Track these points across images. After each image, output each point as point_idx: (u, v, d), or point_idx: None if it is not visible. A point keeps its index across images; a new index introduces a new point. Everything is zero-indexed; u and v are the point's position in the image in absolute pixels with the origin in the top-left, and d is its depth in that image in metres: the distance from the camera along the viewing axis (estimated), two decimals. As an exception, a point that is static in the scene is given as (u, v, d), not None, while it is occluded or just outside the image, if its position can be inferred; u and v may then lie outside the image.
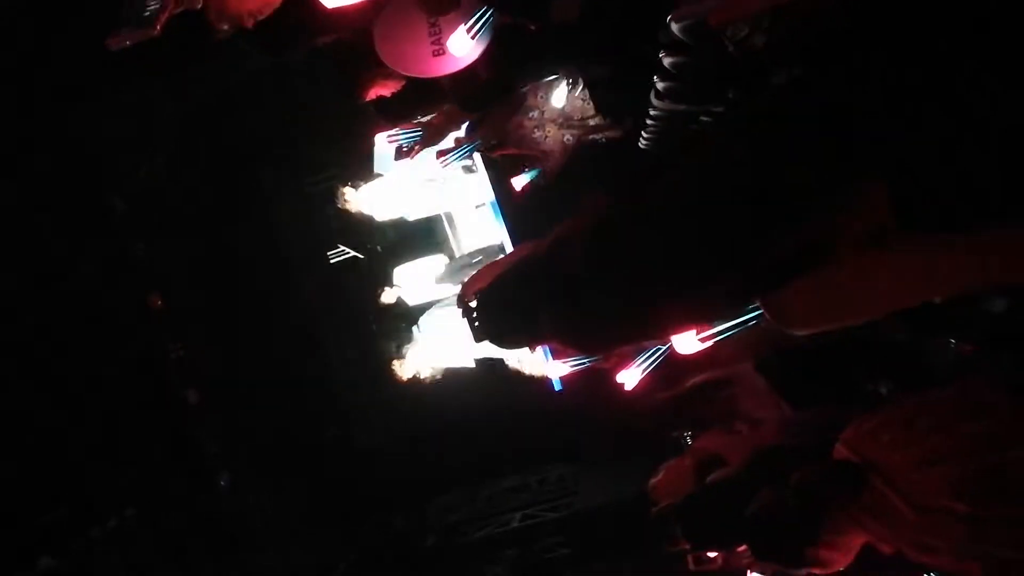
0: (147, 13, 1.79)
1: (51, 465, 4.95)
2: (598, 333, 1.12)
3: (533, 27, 2.23)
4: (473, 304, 1.73)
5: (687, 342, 1.63)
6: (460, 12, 2.12)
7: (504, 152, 2.80)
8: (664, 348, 1.97)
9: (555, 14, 2.13)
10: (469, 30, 2.06)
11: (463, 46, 2.09)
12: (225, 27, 1.89)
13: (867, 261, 1.01)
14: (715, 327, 1.71)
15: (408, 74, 2.25)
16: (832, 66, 1.04)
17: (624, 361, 2.04)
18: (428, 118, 2.63)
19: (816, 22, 1.12)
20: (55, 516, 4.95)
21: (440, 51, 2.15)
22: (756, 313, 1.64)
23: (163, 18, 1.80)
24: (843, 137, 0.98)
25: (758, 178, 1.00)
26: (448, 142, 2.74)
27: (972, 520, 1.12)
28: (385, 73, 2.26)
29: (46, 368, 4.95)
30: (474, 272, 1.83)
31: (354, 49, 2.24)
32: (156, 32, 1.81)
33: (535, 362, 2.45)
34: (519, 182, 2.91)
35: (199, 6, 1.88)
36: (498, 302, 1.64)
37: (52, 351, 4.96)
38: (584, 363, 2.04)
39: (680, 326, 1.16)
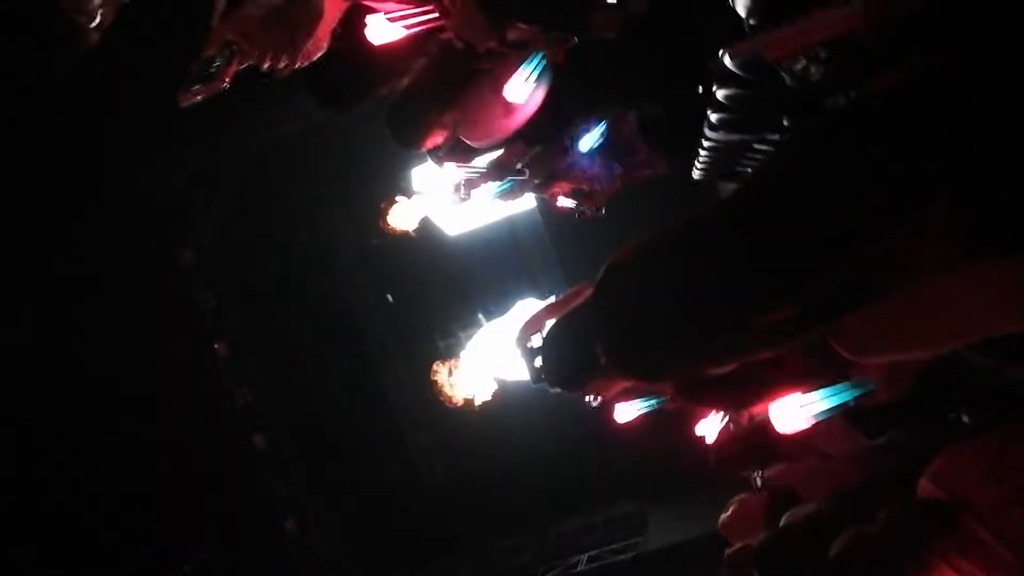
0: (212, 69, 1.86)
1: (125, 512, 5.08)
2: (657, 362, 1.08)
3: (574, 39, 2.24)
4: (533, 345, 1.73)
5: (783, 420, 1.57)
6: (512, 62, 2.16)
7: (556, 186, 2.81)
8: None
9: (596, 31, 2.13)
10: (526, 77, 2.09)
11: (522, 92, 2.12)
12: (281, 65, 1.95)
13: (939, 289, 0.97)
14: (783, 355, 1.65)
15: (492, 142, 2.32)
16: (895, 88, 1.01)
17: (700, 410, 2.00)
18: (493, 156, 2.66)
19: (875, 51, 1.10)
20: (130, 562, 5.07)
21: (507, 108, 2.20)
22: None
23: (230, 71, 1.88)
24: (911, 157, 0.95)
25: (821, 199, 0.97)
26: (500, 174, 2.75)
27: None
28: (439, 123, 2.30)
29: (119, 418, 5.11)
30: (532, 313, 1.84)
31: (409, 99, 2.29)
32: (225, 86, 1.88)
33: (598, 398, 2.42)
34: (565, 205, 2.91)
35: (266, 64, 1.95)
36: (560, 342, 1.64)
37: (123, 401, 5.12)
38: (653, 406, 2.01)
39: (742, 354, 1.11)
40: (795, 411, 1.52)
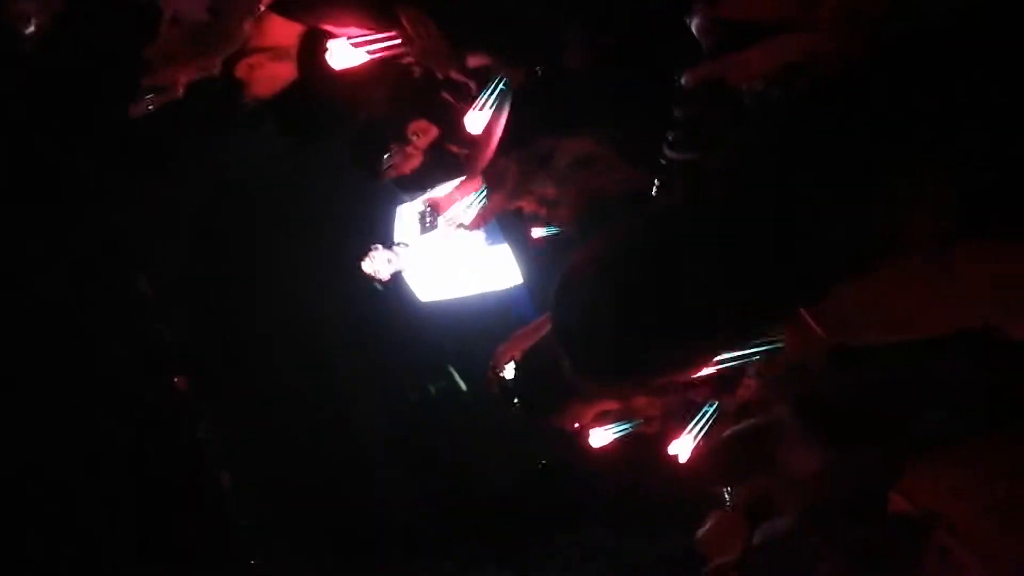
0: (163, 84, 1.85)
1: (77, 554, 4.91)
2: (639, 366, 1.03)
3: (539, 73, 2.25)
4: (507, 374, 1.72)
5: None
6: (467, 104, 2.17)
7: (518, 204, 2.81)
8: (712, 412, 1.92)
9: (561, 64, 2.15)
10: (480, 107, 2.10)
11: (478, 123, 2.12)
12: (252, 107, 1.94)
13: (929, 268, 0.93)
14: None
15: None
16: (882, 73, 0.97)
17: (670, 428, 2.00)
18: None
19: (836, 76, 1.11)
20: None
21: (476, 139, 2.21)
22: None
23: (183, 81, 1.86)
24: (902, 129, 0.91)
25: (804, 174, 0.92)
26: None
27: None
28: (404, 150, 2.30)
29: (69, 454, 4.96)
30: (505, 343, 1.83)
31: (372, 127, 2.29)
32: (179, 94, 1.86)
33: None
34: (536, 232, 2.90)
35: (216, 71, 1.93)
36: (533, 372, 1.63)
37: (76, 434, 4.97)
38: (627, 429, 2.01)
39: (729, 339, 1.05)
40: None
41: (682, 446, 1.92)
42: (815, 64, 1.14)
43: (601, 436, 1.96)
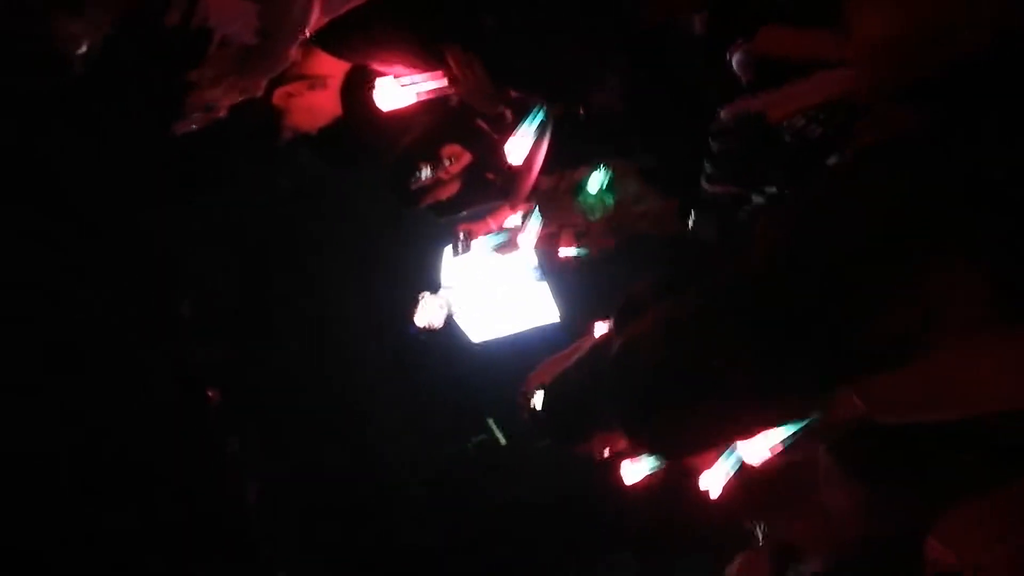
0: (210, 104, 1.89)
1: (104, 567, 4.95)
2: (677, 439, 1.07)
3: (581, 111, 2.27)
4: (536, 400, 1.73)
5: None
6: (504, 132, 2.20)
7: (549, 228, 2.83)
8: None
9: (602, 102, 2.17)
10: (520, 136, 2.12)
11: (518, 152, 2.15)
12: (289, 138, 1.98)
13: (967, 352, 0.94)
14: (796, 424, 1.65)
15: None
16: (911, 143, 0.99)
17: (703, 462, 1.99)
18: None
19: (875, 114, 1.11)
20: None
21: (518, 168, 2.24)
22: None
23: (226, 102, 1.90)
24: (932, 214, 0.92)
25: (837, 264, 0.95)
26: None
27: None
28: (438, 174, 2.32)
29: (104, 469, 5.02)
30: (535, 370, 1.83)
31: (410, 153, 2.32)
32: (222, 114, 1.90)
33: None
34: (565, 252, 2.92)
35: (260, 93, 1.98)
36: (563, 398, 1.64)
37: (110, 446, 5.04)
38: (660, 464, 1.99)
39: (764, 423, 1.10)
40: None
41: (714, 480, 1.90)
42: (851, 101, 1.15)
43: (633, 470, 1.94)
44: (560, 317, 3.20)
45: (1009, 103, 0.96)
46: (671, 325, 1.04)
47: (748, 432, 1.16)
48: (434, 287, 3.62)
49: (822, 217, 0.99)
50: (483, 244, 2.66)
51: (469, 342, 3.78)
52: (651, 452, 1.16)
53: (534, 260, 3.12)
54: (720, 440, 1.23)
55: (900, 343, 0.93)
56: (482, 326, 3.53)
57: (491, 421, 4.46)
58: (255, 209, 5.26)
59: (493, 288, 3.37)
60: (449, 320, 3.64)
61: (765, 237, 1.04)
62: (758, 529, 2.33)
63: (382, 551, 5.36)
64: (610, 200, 2.60)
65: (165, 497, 5.10)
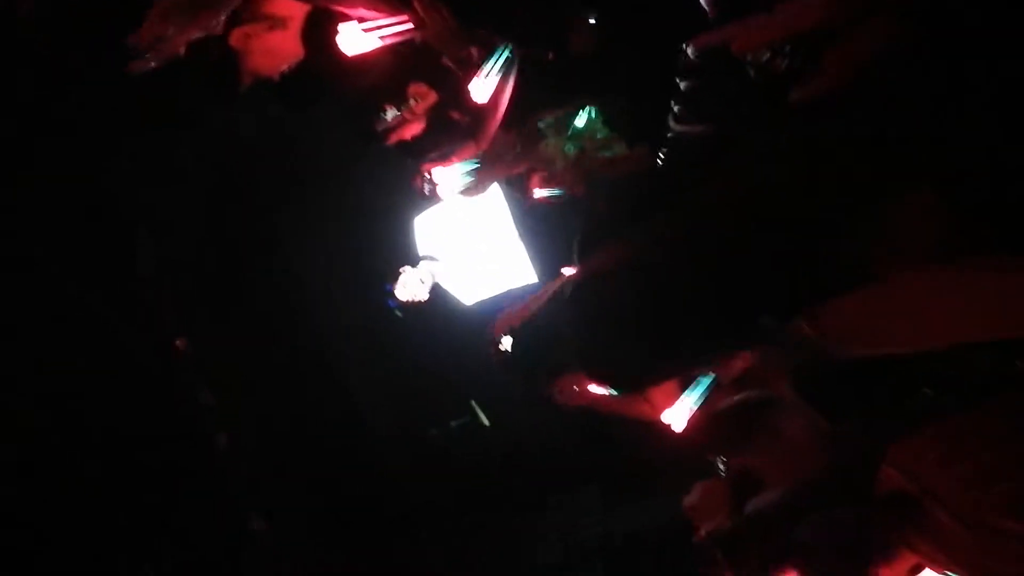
0: (161, 37, 1.82)
1: (78, 522, 4.95)
2: (637, 369, 1.09)
3: (551, 56, 2.24)
4: (505, 341, 1.74)
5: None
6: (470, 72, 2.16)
7: (515, 168, 2.82)
8: (710, 384, 1.94)
9: (572, 46, 2.14)
10: (484, 75, 2.09)
11: (483, 91, 2.11)
12: (249, 81, 1.92)
13: (923, 284, 0.96)
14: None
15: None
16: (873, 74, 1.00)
17: (665, 398, 2.03)
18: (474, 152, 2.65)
19: (841, 45, 1.11)
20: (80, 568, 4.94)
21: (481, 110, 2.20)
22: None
23: (182, 40, 1.83)
24: (891, 142, 0.94)
25: (796, 189, 0.96)
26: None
27: None
28: (403, 114, 2.28)
29: (67, 418, 4.98)
30: (505, 311, 1.84)
31: (374, 91, 2.27)
32: (180, 52, 1.84)
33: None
34: (537, 193, 2.92)
35: (219, 30, 1.91)
36: (529, 340, 1.65)
37: (73, 398, 4.98)
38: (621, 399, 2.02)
39: (724, 352, 1.12)
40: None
41: (677, 416, 1.94)
42: (816, 33, 1.15)
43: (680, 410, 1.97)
44: (538, 277, 3.19)
45: (979, 28, 0.97)
46: (633, 261, 1.05)
47: (707, 363, 1.19)
48: (413, 258, 3.54)
49: (782, 156, 1.00)
50: (449, 186, 2.63)
51: (455, 309, 3.73)
52: (611, 385, 1.18)
53: (505, 208, 3.10)
54: (679, 371, 1.25)
55: (858, 269, 0.95)
56: (470, 289, 3.48)
57: (474, 404, 4.46)
58: (219, 154, 5.16)
59: (471, 249, 3.33)
60: (435, 290, 3.60)
61: (728, 174, 1.05)
62: (719, 462, 2.40)
63: (355, 494, 5.44)
64: (572, 148, 2.59)
65: (135, 445, 5.06)
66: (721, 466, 2.43)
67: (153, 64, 1.75)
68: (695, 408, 1.92)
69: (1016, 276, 0.96)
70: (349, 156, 4.34)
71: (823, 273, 0.96)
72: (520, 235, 3.21)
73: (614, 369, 1.06)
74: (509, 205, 3.33)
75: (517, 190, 3.03)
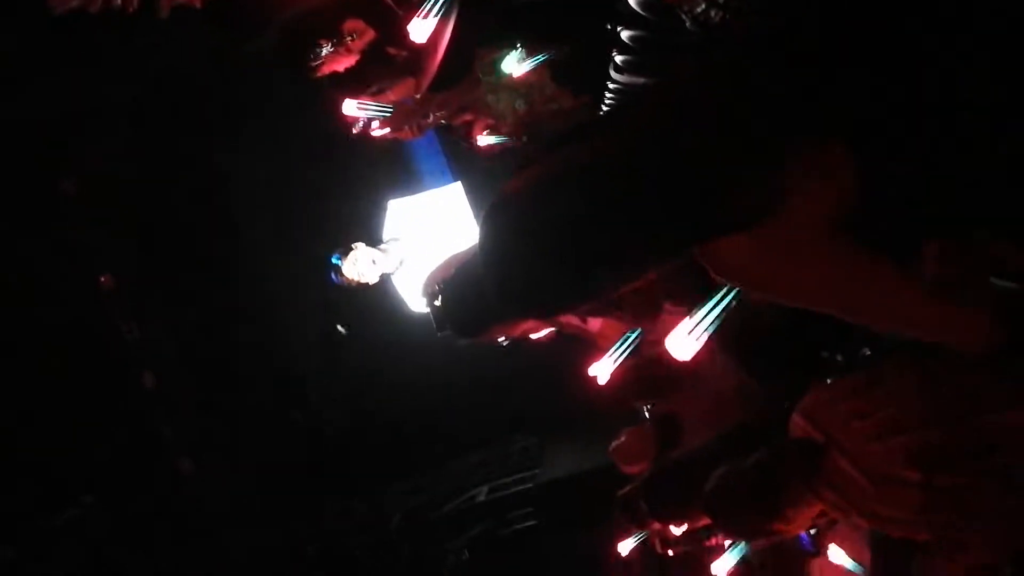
0: None
1: (5, 457, 4.85)
2: (540, 299, 1.07)
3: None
4: (436, 291, 1.72)
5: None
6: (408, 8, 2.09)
7: (460, 120, 2.77)
8: (636, 338, 1.96)
9: None
10: (424, 15, 2.02)
11: (422, 30, 2.05)
12: (167, 11, 1.80)
13: (811, 244, 0.99)
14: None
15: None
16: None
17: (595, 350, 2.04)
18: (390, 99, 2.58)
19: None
20: (9, 506, 4.86)
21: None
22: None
23: None
24: (816, 98, 0.94)
25: (709, 120, 0.96)
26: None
27: (924, 488, 1.15)
28: (338, 50, 2.20)
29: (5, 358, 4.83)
30: (435, 265, 1.82)
31: (305, 25, 2.18)
32: None
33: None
34: (483, 141, 2.87)
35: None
36: (459, 290, 1.63)
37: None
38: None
39: (632, 276, 1.12)
40: (685, 336, 1.55)
41: (602, 368, 1.97)
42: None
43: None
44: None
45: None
46: (536, 189, 1.02)
47: (604, 291, 1.19)
48: (372, 237, 3.34)
49: (701, 96, 0.99)
50: (380, 123, 2.56)
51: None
52: (518, 309, 1.17)
53: (441, 156, 3.01)
54: (583, 301, 1.24)
55: (750, 214, 0.96)
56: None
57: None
58: (147, 89, 4.93)
59: (433, 250, 3.17)
60: (384, 279, 3.36)
61: (649, 110, 1.04)
62: (644, 409, 2.46)
63: (284, 435, 5.42)
64: (519, 102, 2.54)
65: (61, 383, 4.92)
66: (646, 413, 2.49)
67: (75, 3, 1.63)
68: (620, 361, 1.94)
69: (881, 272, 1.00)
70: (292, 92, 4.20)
71: (725, 206, 0.97)
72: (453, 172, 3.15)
73: (534, 293, 1.03)
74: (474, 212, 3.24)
75: (460, 137, 2.98)
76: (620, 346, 1.95)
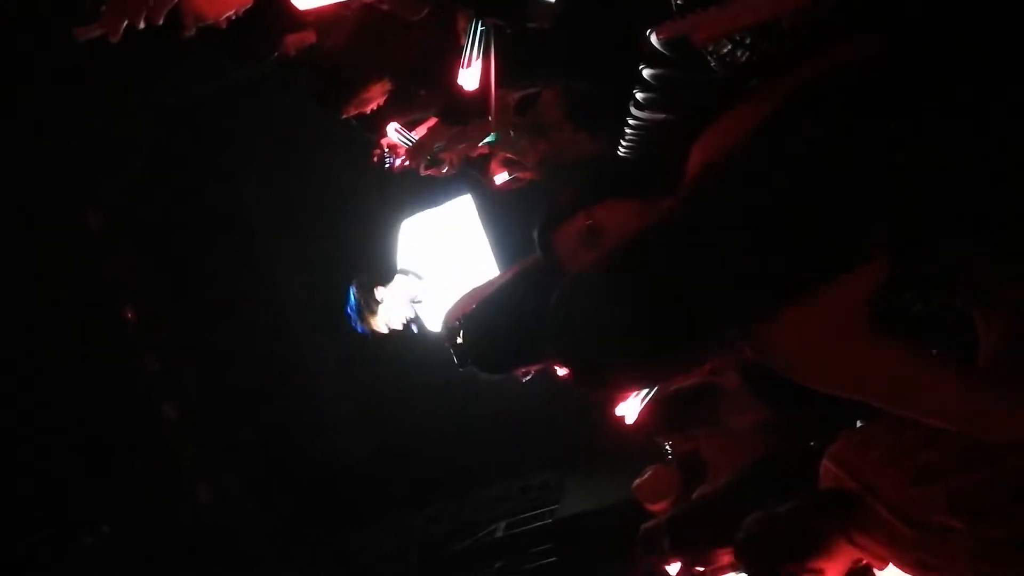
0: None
1: (23, 481, 4.86)
2: (610, 378, 1.14)
3: (509, 31, 2.20)
4: (458, 327, 1.71)
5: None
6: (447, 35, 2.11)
7: (479, 154, 2.78)
8: None
9: (530, 21, 2.10)
10: (467, 63, 2.05)
11: (470, 78, 2.08)
12: (193, 30, 1.81)
13: (850, 328, 1.01)
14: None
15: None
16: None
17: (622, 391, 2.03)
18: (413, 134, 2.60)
19: (799, 40, 1.11)
20: (28, 535, 4.87)
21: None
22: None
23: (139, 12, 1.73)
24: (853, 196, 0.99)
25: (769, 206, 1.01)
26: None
27: (972, 538, 1.12)
28: (366, 88, 2.22)
29: (17, 384, 4.87)
30: (460, 295, 1.80)
31: (332, 62, 2.20)
32: (138, 24, 1.74)
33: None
34: (499, 179, 2.89)
35: (160, 22, 1.81)
36: (487, 328, 1.62)
37: (23, 365, 4.87)
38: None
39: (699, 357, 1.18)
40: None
41: (630, 407, 1.96)
42: (777, 26, 1.15)
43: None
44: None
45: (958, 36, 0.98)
46: (621, 275, 1.08)
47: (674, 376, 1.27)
48: (387, 273, 3.25)
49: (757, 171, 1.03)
50: (412, 161, 2.58)
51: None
52: (587, 384, 1.22)
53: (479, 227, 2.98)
54: (648, 383, 1.34)
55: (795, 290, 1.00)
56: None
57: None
58: (169, 123, 5.01)
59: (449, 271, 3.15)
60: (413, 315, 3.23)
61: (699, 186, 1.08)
62: (667, 446, 2.43)
63: (305, 465, 5.40)
64: (538, 134, 2.56)
65: (82, 413, 4.93)
66: (668, 449, 2.46)
67: (98, 32, 1.65)
68: (646, 399, 1.93)
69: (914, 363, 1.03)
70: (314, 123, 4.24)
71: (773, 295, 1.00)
72: (492, 250, 3.13)
73: (598, 373, 1.11)
74: (480, 217, 3.23)
75: (479, 172, 3.00)
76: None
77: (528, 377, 1.97)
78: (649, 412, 2.25)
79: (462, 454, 5.04)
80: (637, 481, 2.29)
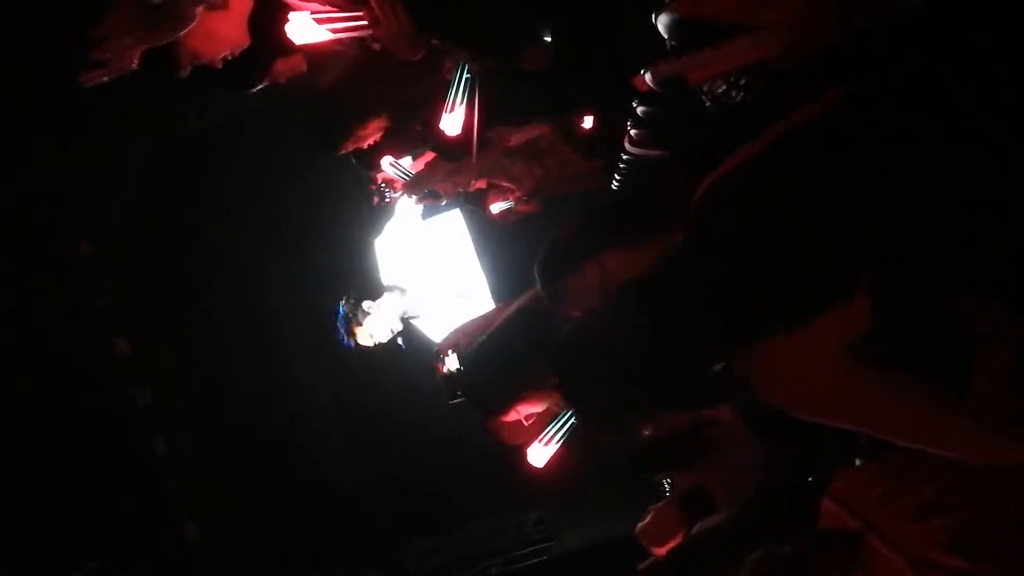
0: (114, 55, 1.74)
1: (11, 519, 4.79)
2: (632, 423, 1.16)
3: (504, 70, 2.23)
4: (449, 363, 1.71)
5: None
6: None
7: (475, 188, 2.80)
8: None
9: (527, 62, 2.13)
10: (450, 108, 2.09)
11: (454, 123, 2.11)
12: (190, 69, 1.83)
13: (846, 374, 1.02)
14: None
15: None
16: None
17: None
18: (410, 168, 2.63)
19: (795, 80, 1.13)
20: (16, 570, 4.79)
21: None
22: None
23: (136, 53, 1.75)
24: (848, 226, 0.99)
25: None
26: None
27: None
28: (364, 125, 2.24)
29: (3, 416, 4.82)
30: (453, 329, 1.81)
31: (329, 100, 2.22)
32: (134, 66, 1.75)
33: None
34: (496, 208, 2.91)
35: (163, 41, 1.83)
36: (484, 364, 1.62)
37: (11, 400, 4.83)
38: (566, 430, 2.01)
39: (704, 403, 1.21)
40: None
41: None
42: (772, 67, 1.17)
43: (540, 452, 1.97)
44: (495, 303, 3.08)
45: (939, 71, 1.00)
46: (628, 320, 1.10)
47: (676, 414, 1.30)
48: (373, 289, 3.23)
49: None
50: (407, 196, 2.60)
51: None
52: (598, 425, 1.24)
53: (466, 234, 3.01)
54: (648, 424, 1.37)
55: (787, 324, 1.01)
56: (438, 321, 3.21)
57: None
58: (160, 153, 5.03)
59: (434, 279, 3.17)
60: (403, 326, 3.25)
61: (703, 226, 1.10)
62: (666, 484, 2.41)
63: (296, 497, 5.34)
64: (535, 166, 2.58)
65: (73, 448, 4.88)
66: (667, 487, 2.44)
67: (107, 77, 1.67)
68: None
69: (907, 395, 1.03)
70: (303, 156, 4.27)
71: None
72: (481, 264, 3.15)
73: (607, 414, 1.13)
74: (469, 230, 3.26)
75: (475, 205, 3.02)
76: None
77: (517, 419, 1.97)
78: (642, 447, 2.24)
79: (455, 488, 5.00)
80: (640, 525, 2.27)
